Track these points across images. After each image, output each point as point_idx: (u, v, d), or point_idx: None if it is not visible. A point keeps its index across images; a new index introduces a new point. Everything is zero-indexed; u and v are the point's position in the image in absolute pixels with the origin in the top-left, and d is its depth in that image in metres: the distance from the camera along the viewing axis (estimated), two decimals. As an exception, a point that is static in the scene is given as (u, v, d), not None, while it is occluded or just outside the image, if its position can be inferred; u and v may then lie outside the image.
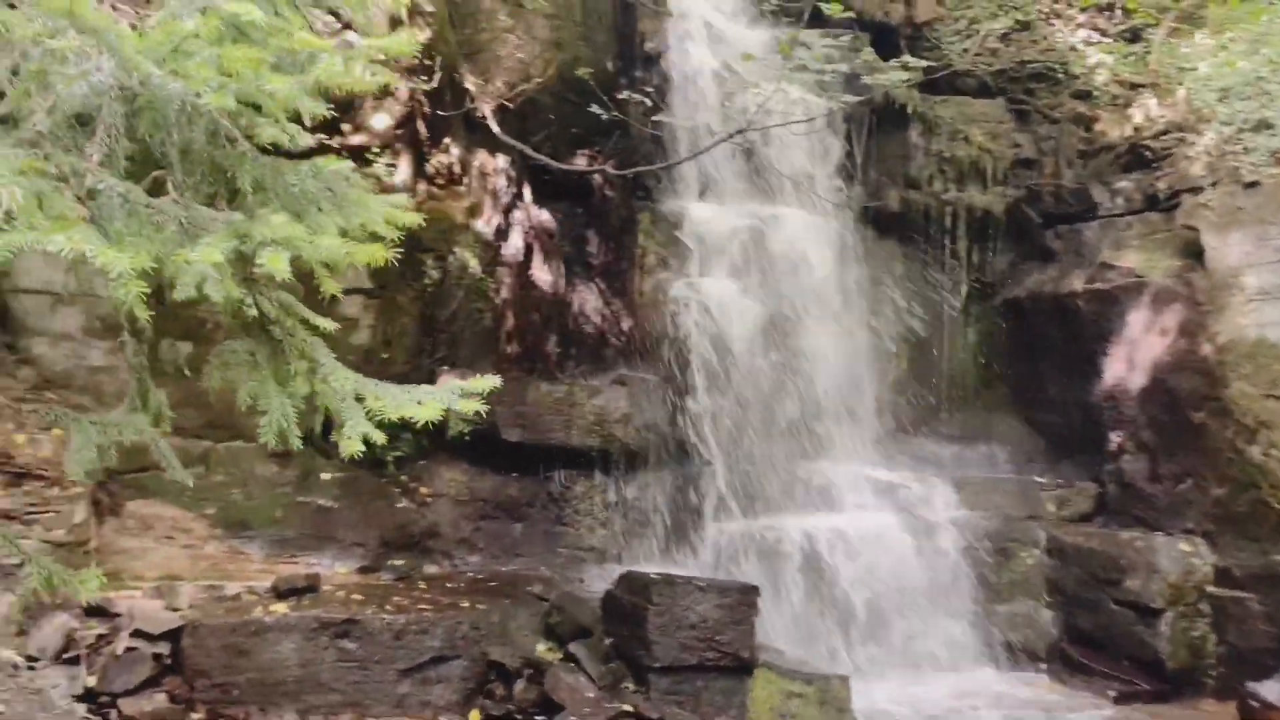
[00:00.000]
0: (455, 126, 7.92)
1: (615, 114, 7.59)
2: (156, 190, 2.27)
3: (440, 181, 7.95)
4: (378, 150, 7.70)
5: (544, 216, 8.15)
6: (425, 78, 7.64)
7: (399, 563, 6.88)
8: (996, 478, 8.70)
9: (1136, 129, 8.66)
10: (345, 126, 7.66)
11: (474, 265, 7.70)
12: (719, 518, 7.83)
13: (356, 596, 5.97)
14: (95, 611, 5.17)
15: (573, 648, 5.90)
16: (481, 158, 7.97)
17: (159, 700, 4.99)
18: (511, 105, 7.81)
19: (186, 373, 5.59)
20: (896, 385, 9.33)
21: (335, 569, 6.71)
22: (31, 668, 4.45)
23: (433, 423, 7.72)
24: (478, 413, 7.62)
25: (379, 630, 5.51)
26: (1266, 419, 7.30)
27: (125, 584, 5.94)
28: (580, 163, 8.11)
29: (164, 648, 5.06)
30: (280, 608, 5.56)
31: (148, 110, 2.00)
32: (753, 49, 8.44)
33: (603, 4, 8.64)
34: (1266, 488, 7.29)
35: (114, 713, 4.83)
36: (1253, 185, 7.51)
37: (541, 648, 5.92)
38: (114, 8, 2.15)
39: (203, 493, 6.65)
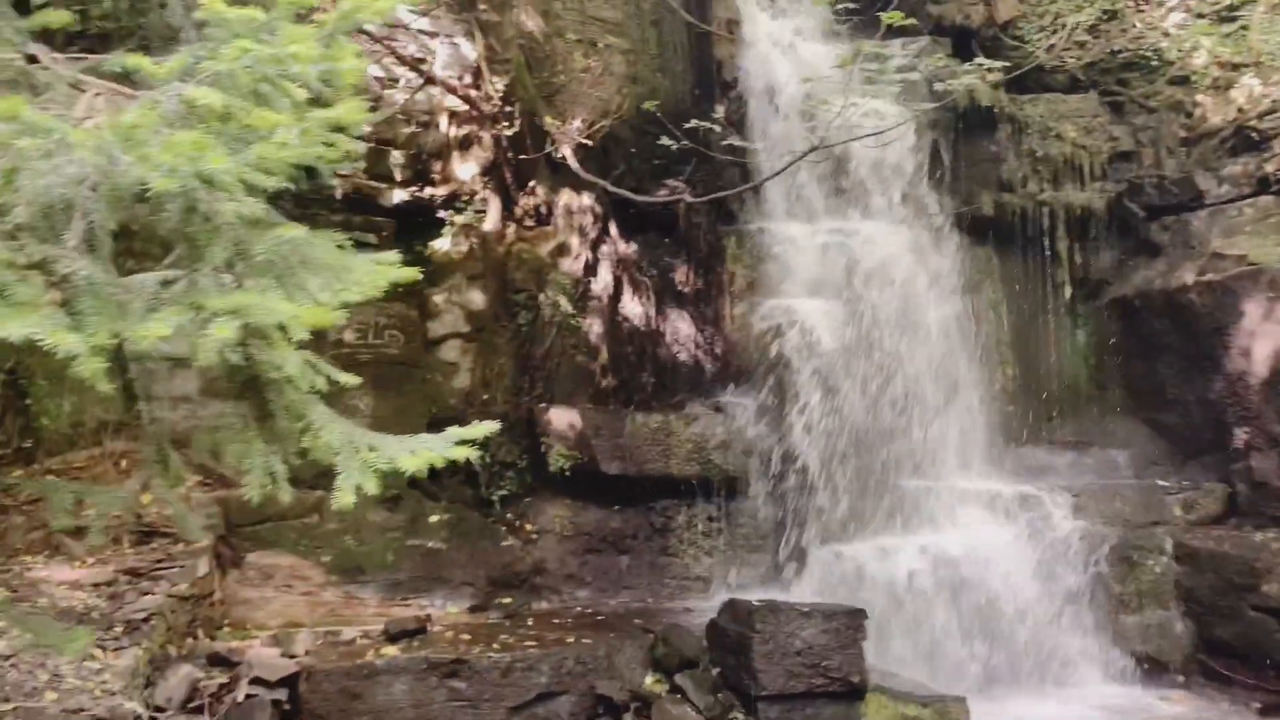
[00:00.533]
0: (540, 168, 8.09)
1: (691, 143, 7.63)
2: (136, 269, 2.45)
3: (528, 223, 8.13)
4: (467, 198, 7.93)
5: (631, 249, 8.24)
6: (506, 124, 7.84)
7: (507, 601, 6.99)
8: (1116, 484, 8.36)
9: (1240, 111, 8.30)
10: (435, 177, 7.91)
11: (564, 303, 7.83)
12: (826, 540, 7.72)
13: (465, 636, 6.09)
14: (218, 661, 5.40)
15: (679, 679, 5.88)
16: (566, 196, 8.12)
17: (280, 744, 5.16)
18: (591, 143, 7.94)
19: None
20: (1003, 394, 9.07)
21: (446, 609, 6.86)
22: (155, 719, 4.67)
23: (535, 459, 7.81)
24: (576, 447, 7.69)
25: (486, 669, 5.60)
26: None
27: (249, 633, 6.19)
28: (662, 193, 8.17)
29: (282, 694, 5.23)
30: (391, 650, 5.70)
31: (112, 195, 2.15)
32: (831, 65, 8.39)
33: (678, 35, 8.72)
34: None
35: (238, 758, 5.02)
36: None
37: (648, 680, 5.93)
38: (98, 95, 2.32)
39: (318, 540, 6.90)
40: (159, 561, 5.91)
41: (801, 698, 5.67)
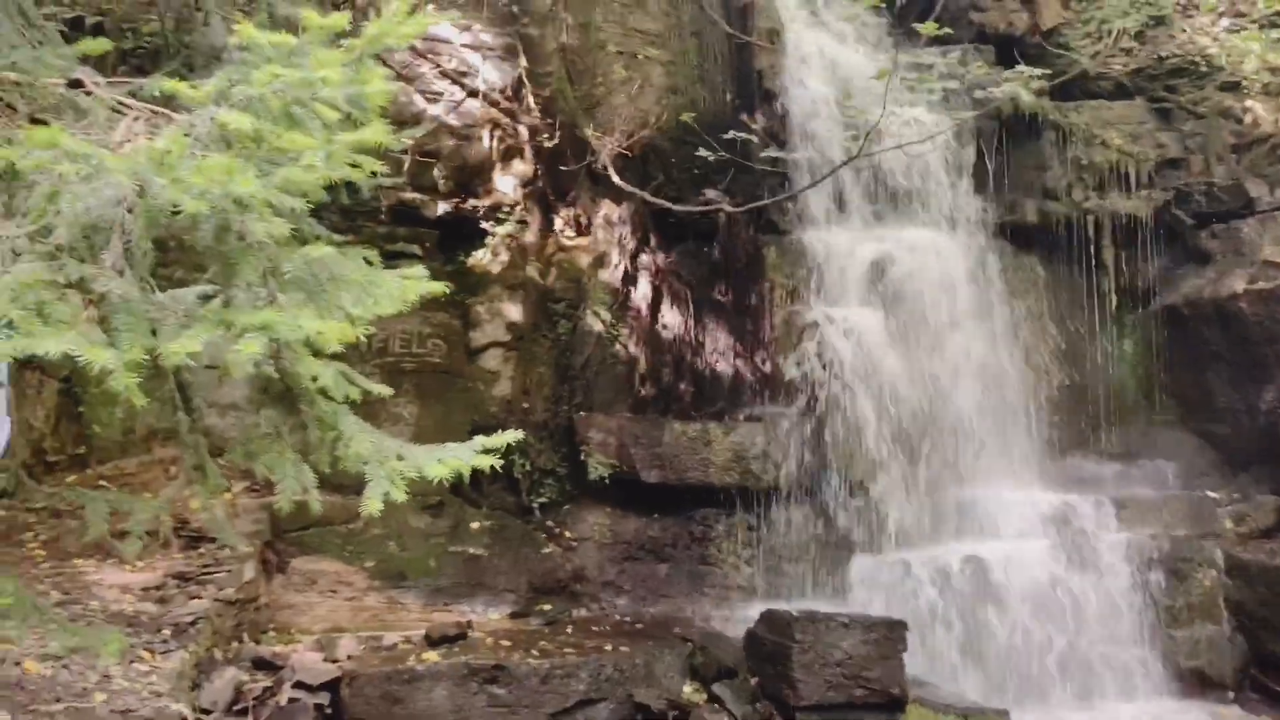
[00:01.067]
0: (580, 179, 8.16)
1: (731, 153, 7.65)
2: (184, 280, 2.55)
3: (568, 234, 8.21)
4: (508, 209, 8.03)
5: (670, 259, 8.28)
6: (547, 136, 7.92)
7: (547, 607, 7.04)
8: (1164, 495, 8.22)
9: (1292, 117, 8.15)
10: (478, 189, 8.02)
11: (604, 312, 7.89)
12: (869, 549, 7.68)
13: (505, 642, 6.15)
14: (262, 665, 5.51)
15: (717, 688, 5.90)
16: (606, 207, 8.18)
17: (322, 747, 5.25)
18: (631, 153, 7.99)
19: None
20: (1050, 404, 8.95)
21: (488, 615, 6.93)
22: (201, 720, 4.78)
23: (574, 467, 7.86)
24: (616, 456, 7.71)
25: (526, 675, 5.65)
26: None
27: (293, 637, 6.30)
28: (702, 202, 8.20)
29: (324, 698, 5.33)
30: (432, 656, 5.77)
31: (148, 216, 2.23)
32: (871, 74, 8.36)
33: (718, 45, 8.74)
34: None
35: (281, 760, 5.12)
36: None
37: (687, 689, 5.94)
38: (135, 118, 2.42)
39: (362, 546, 7.00)
40: (206, 566, 6.04)
41: (841, 708, 5.66)
